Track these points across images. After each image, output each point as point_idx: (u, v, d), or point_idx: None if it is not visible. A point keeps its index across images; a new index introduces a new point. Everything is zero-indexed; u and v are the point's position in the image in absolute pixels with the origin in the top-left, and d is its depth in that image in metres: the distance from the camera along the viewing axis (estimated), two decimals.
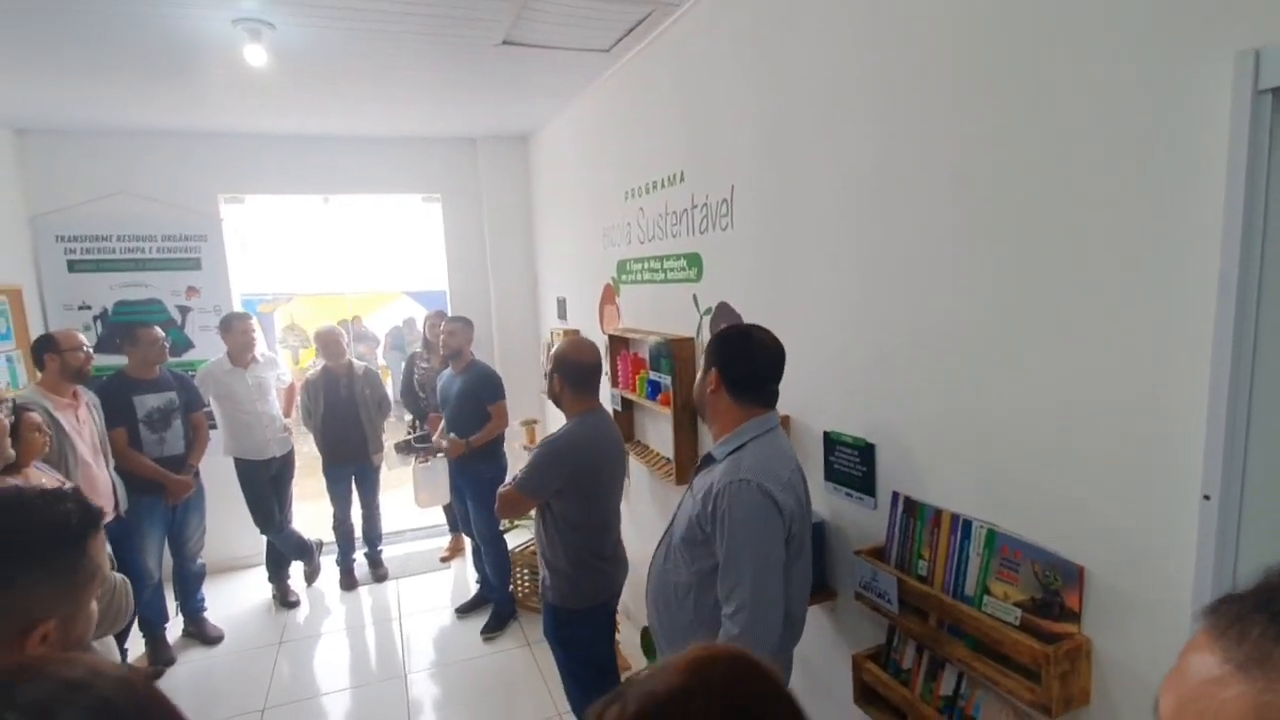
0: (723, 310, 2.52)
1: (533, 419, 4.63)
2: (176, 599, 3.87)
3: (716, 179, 2.47)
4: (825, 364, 2.01)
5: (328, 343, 4.24)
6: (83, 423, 3.19)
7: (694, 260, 2.68)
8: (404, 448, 4.23)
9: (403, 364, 9.73)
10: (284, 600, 4.25)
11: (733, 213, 2.38)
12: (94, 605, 0.87)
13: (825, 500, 2.05)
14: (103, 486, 3.15)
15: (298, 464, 4.37)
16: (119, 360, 3.73)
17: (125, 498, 3.31)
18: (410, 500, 4.45)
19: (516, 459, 4.40)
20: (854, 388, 1.92)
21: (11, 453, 1.37)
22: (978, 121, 1.45)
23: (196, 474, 3.76)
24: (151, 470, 3.50)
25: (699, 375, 1.77)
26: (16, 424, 2.41)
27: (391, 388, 6.57)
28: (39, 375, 3.18)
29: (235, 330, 3.93)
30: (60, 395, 3.12)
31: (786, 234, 2.13)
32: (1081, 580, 1.33)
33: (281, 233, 7.97)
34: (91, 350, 3.25)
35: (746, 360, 1.68)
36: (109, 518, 3.10)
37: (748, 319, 2.33)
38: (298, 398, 4.36)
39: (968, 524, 1.57)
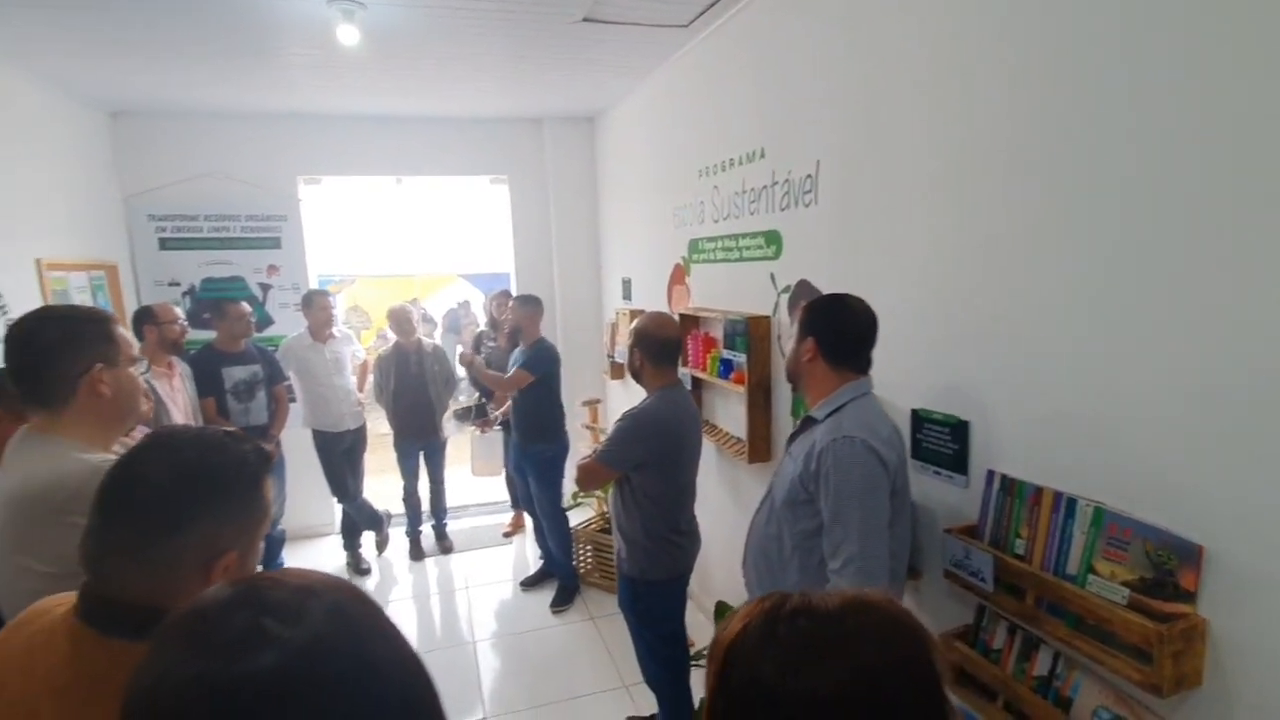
0: (802, 287, 2.50)
1: (595, 399, 4.69)
2: (260, 563, 4.04)
3: (800, 155, 2.44)
4: (914, 340, 1.98)
5: (400, 320, 4.36)
6: (176, 391, 3.36)
7: (773, 238, 2.67)
8: (463, 414, 4.33)
9: (457, 346, 9.97)
10: (357, 568, 4.42)
11: (817, 188, 2.35)
12: (260, 544, 0.93)
13: (912, 479, 2.00)
14: None
15: (369, 440, 4.51)
16: (206, 334, 3.91)
17: None
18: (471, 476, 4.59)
19: (578, 438, 4.46)
20: (945, 365, 1.89)
21: (146, 411, 1.46)
22: (1110, 83, 1.39)
23: (278, 444, 3.93)
24: None
25: (793, 345, 1.77)
26: None
27: None
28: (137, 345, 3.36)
29: (316, 306, 4.08)
30: (157, 365, 3.29)
31: (875, 209, 2.10)
32: (1200, 559, 1.29)
33: (346, 216, 8.19)
34: (186, 324, 3.42)
35: (840, 327, 1.71)
36: None
37: None
38: (370, 374, 4.50)
39: (1072, 501, 1.53)
